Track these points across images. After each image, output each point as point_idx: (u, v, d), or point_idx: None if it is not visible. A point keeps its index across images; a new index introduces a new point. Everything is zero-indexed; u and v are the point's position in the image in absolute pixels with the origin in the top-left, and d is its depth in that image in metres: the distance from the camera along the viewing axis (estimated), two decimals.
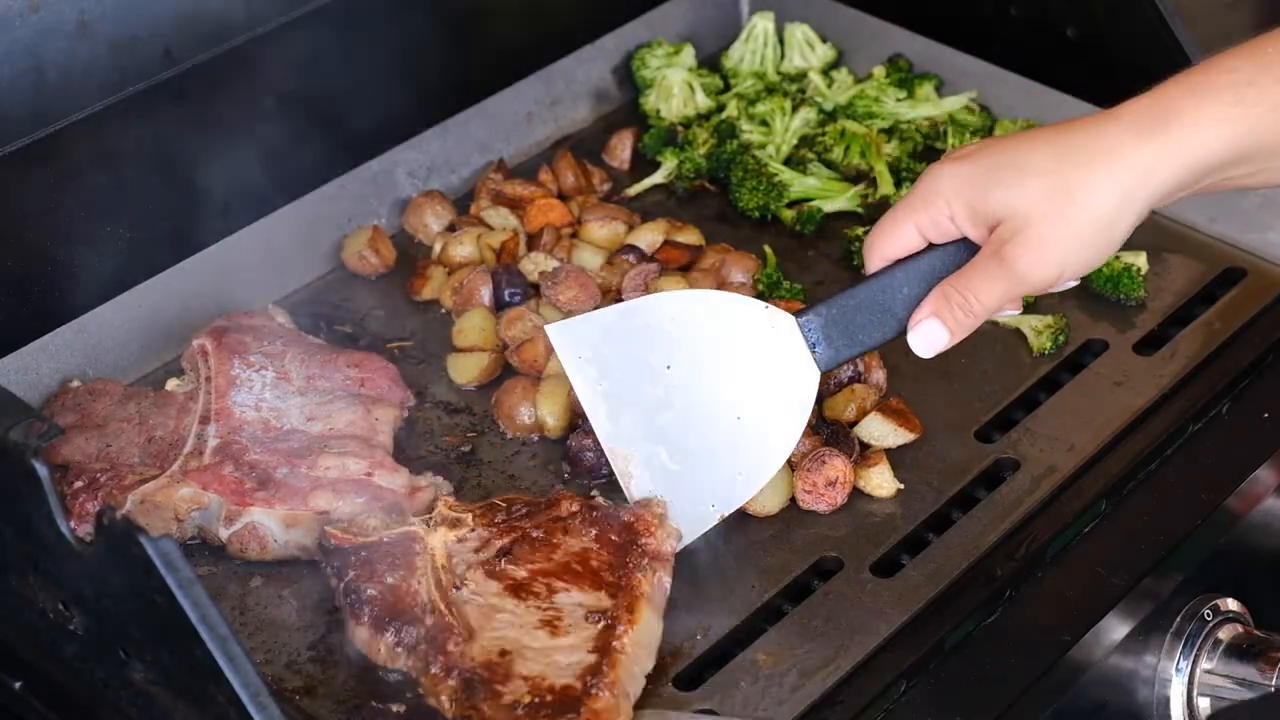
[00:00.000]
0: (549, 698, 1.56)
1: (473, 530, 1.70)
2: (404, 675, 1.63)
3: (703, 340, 1.71)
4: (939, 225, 1.62)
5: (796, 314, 1.69)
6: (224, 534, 1.76)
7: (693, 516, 1.72)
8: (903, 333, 1.66)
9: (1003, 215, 1.57)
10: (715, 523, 1.73)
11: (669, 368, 1.71)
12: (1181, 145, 1.54)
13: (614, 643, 1.60)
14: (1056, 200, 1.55)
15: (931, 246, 1.64)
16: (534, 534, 1.69)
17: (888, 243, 1.65)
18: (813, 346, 1.68)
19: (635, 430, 1.73)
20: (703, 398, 1.71)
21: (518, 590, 1.65)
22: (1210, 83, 1.55)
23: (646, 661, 1.63)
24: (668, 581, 1.67)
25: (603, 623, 1.61)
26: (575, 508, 1.71)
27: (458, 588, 1.65)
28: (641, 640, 1.62)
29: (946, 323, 1.63)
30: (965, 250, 1.63)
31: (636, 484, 1.73)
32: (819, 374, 1.69)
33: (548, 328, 1.74)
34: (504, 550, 1.68)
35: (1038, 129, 1.64)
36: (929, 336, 1.64)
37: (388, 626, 1.63)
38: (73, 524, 1.50)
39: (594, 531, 1.69)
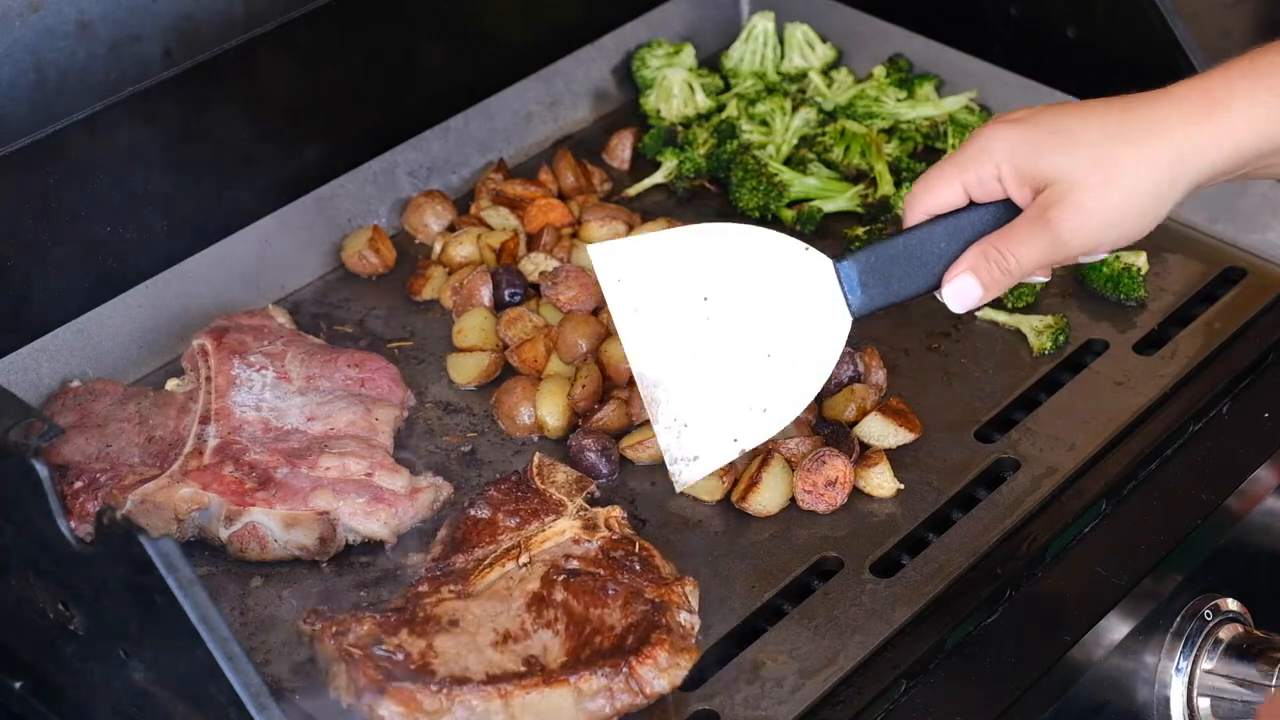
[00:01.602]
0: (402, 660, 1.55)
1: (592, 543, 1.69)
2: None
3: (741, 275, 1.71)
4: (985, 184, 1.64)
5: (835, 258, 1.70)
6: (224, 534, 1.76)
7: (714, 446, 1.72)
8: (936, 286, 1.68)
9: (1051, 179, 1.60)
10: (735, 456, 1.72)
11: (706, 299, 1.71)
12: (1231, 128, 1.57)
13: (511, 688, 1.55)
14: (1104, 171, 1.57)
15: (971, 205, 1.66)
16: (611, 587, 1.65)
17: (931, 197, 1.67)
18: (848, 292, 1.69)
19: (667, 356, 1.72)
20: (736, 331, 1.71)
21: (536, 600, 1.63)
22: (1266, 68, 1.57)
23: None
24: (612, 708, 1.58)
25: (525, 669, 1.58)
26: (663, 596, 1.64)
27: (519, 564, 1.65)
28: (535, 709, 1.55)
29: (982, 279, 1.65)
30: (1004, 211, 1.65)
31: (663, 409, 1.72)
32: (851, 319, 1.70)
33: (590, 248, 1.74)
34: (575, 572, 1.66)
35: (1090, 101, 1.65)
36: (964, 291, 1.66)
37: (452, 538, 1.68)
38: (73, 524, 1.49)
39: (631, 621, 1.62)
